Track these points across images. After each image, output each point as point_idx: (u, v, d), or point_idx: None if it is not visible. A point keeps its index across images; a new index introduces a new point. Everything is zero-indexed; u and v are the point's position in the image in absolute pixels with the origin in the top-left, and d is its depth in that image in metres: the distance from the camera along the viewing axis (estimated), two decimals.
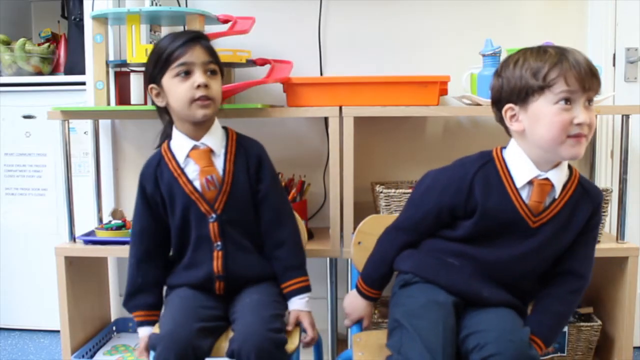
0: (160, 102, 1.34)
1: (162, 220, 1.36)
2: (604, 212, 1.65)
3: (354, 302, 1.34)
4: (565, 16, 1.97)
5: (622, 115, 1.70)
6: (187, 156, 1.33)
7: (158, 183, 1.34)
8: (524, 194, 1.15)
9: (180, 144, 1.34)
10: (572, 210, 1.16)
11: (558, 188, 1.15)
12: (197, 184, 1.32)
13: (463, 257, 1.19)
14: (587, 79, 1.07)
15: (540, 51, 1.11)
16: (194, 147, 1.33)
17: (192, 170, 1.32)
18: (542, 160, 1.14)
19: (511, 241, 1.16)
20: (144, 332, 1.33)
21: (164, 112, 1.38)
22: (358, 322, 1.36)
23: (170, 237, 1.37)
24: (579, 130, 1.08)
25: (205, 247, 1.33)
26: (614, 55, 1.95)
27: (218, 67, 1.34)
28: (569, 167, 1.19)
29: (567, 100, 1.07)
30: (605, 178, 1.96)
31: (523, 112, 1.12)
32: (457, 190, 1.18)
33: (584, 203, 1.17)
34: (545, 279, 1.22)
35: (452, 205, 1.19)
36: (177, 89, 1.28)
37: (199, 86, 1.27)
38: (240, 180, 1.34)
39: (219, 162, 1.34)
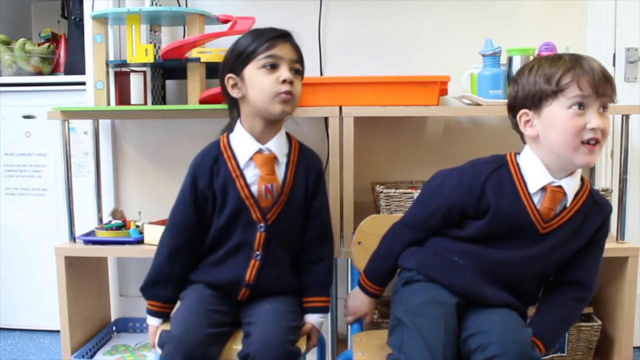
0: (236, 94, 1.29)
1: (205, 216, 1.31)
2: None
3: (356, 299, 1.35)
4: (565, 16, 1.97)
5: (622, 115, 1.70)
6: (250, 159, 1.28)
7: (212, 179, 1.29)
8: (536, 200, 1.16)
9: (244, 143, 1.29)
10: (581, 219, 1.17)
11: (570, 196, 1.16)
12: (254, 189, 1.28)
13: (469, 256, 1.19)
14: (600, 85, 1.07)
15: (555, 58, 1.12)
16: (259, 151, 1.29)
17: (252, 175, 1.28)
18: (557, 167, 1.14)
19: (519, 244, 1.16)
20: (153, 322, 1.33)
21: (233, 106, 1.34)
22: (360, 319, 1.37)
23: (206, 232, 1.32)
24: (592, 135, 1.08)
25: (243, 253, 1.29)
26: (614, 55, 1.95)
27: (302, 69, 1.32)
28: (581, 177, 1.19)
29: (581, 105, 1.08)
30: (605, 178, 1.96)
31: (537, 117, 1.13)
32: (469, 189, 1.18)
33: (593, 214, 1.18)
34: (551, 287, 1.22)
35: (462, 204, 1.19)
36: (261, 81, 1.25)
37: (284, 81, 1.25)
38: (297, 193, 1.31)
39: (279, 171, 1.30)
